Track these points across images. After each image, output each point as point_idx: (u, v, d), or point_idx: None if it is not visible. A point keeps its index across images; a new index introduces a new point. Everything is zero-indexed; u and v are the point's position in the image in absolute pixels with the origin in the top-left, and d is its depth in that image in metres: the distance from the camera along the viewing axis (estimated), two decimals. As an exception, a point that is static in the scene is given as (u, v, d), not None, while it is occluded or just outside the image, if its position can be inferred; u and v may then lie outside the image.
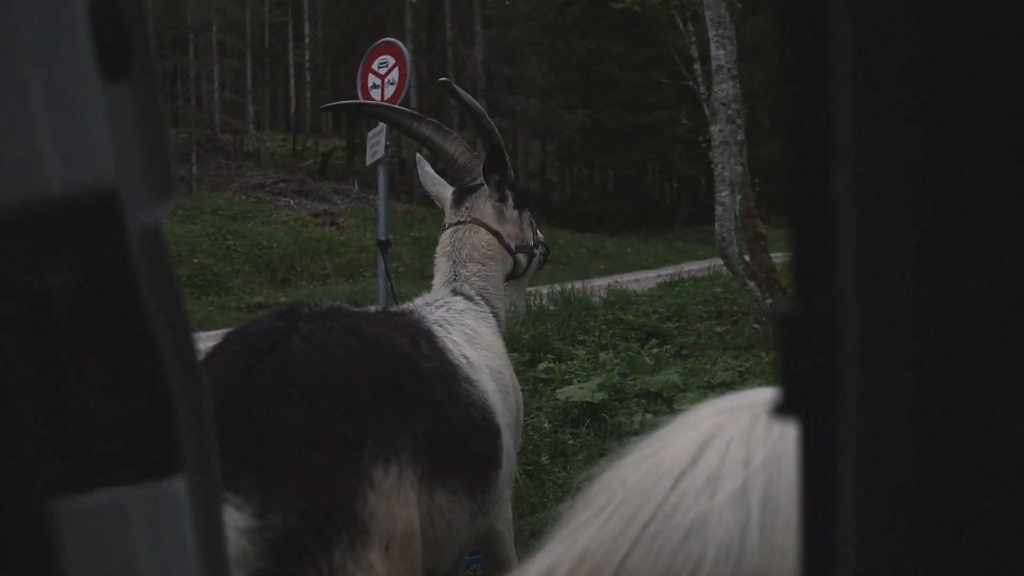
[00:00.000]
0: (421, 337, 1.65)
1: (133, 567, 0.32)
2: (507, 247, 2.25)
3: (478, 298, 2.11)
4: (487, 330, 2.01)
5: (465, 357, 1.77)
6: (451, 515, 1.60)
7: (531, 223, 2.41)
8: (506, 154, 2.27)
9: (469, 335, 1.91)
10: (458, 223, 2.23)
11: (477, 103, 2.40)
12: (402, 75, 5.32)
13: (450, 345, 1.75)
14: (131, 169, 0.32)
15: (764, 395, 0.91)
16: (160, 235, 0.34)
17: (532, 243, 2.38)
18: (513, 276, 2.34)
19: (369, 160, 5.35)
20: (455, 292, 2.10)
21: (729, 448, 0.82)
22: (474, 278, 2.15)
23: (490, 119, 2.32)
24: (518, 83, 24.12)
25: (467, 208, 2.25)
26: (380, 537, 1.37)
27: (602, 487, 0.85)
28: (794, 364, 0.30)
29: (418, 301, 2.04)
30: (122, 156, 0.31)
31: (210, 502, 0.37)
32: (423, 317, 1.84)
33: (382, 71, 5.45)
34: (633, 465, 0.86)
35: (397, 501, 1.40)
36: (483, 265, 2.18)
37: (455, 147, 2.29)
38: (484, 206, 2.25)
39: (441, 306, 1.99)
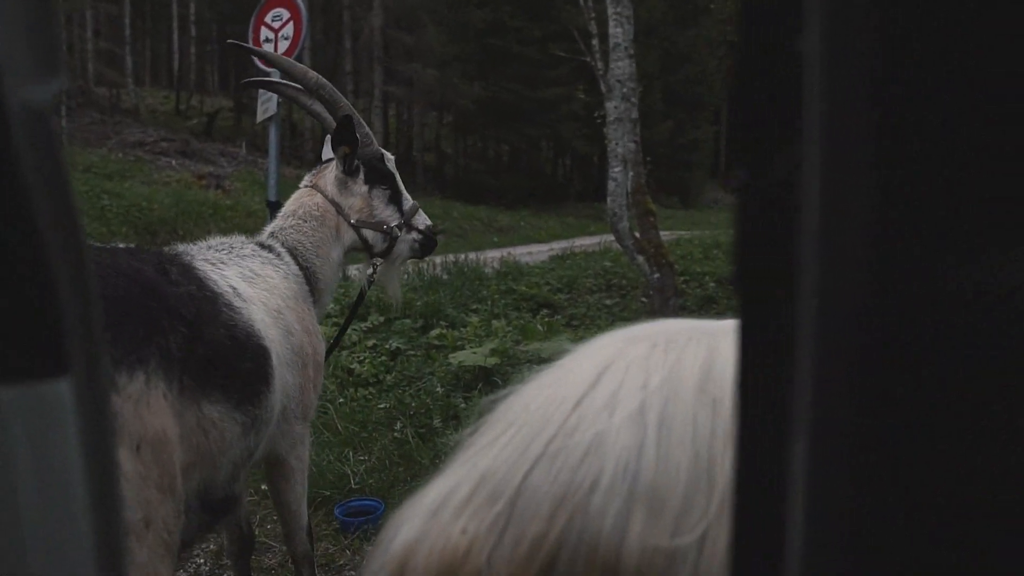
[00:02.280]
0: (172, 266, 1.81)
1: (9, 473, 0.30)
2: (346, 218, 2.41)
3: (283, 251, 2.29)
4: (275, 275, 2.17)
5: (232, 288, 1.93)
6: (222, 426, 1.76)
7: (390, 201, 2.46)
8: (359, 128, 2.41)
9: (247, 274, 2.08)
10: (303, 186, 2.46)
11: (321, 78, 2.49)
12: (297, 30, 5.13)
13: (214, 276, 1.92)
14: (11, 38, 0.29)
15: (662, 326, 0.95)
16: (46, 118, 0.31)
17: (391, 223, 2.45)
18: (373, 254, 2.48)
19: (260, 117, 5.14)
20: (260, 244, 2.27)
21: (628, 372, 0.84)
22: (291, 231, 2.34)
23: (338, 92, 2.48)
24: (415, 51, 23.71)
25: (314, 174, 2.49)
26: (129, 437, 1.52)
27: (504, 412, 0.86)
28: (749, 233, 0.30)
29: (199, 244, 2.18)
30: (1, 21, 0.29)
31: (99, 408, 0.34)
32: (187, 253, 2.01)
33: (276, 24, 5.23)
34: (535, 391, 0.87)
35: (147, 406, 1.55)
36: (304, 223, 2.36)
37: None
38: (328, 175, 2.43)
39: (222, 249, 2.15)
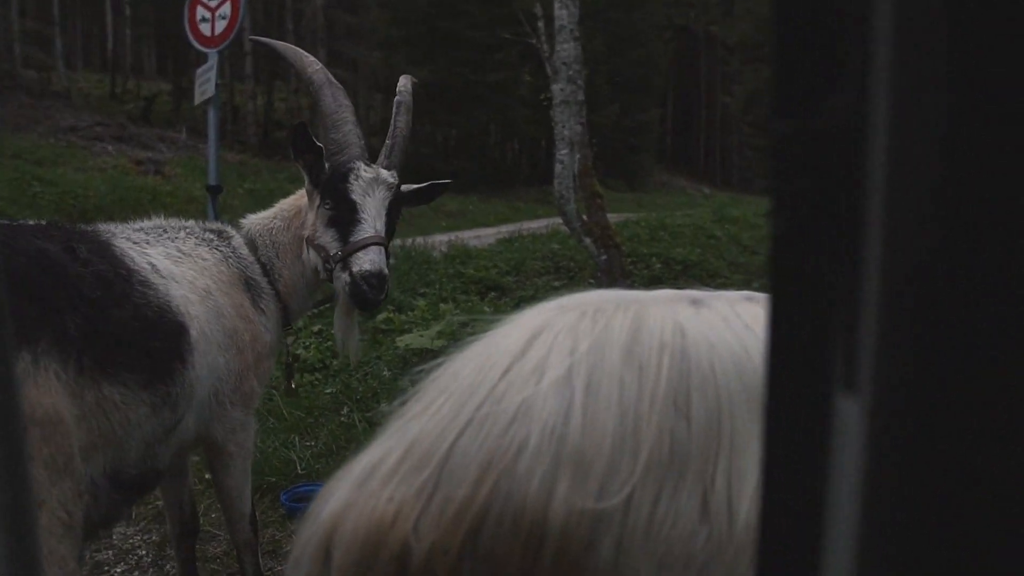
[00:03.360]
0: (84, 244, 1.77)
1: None
2: (305, 233, 2.23)
3: (237, 237, 2.23)
4: (209, 257, 2.11)
5: (151, 265, 1.90)
6: (126, 408, 1.72)
7: (330, 224, 2.15)
8: (331, 133, 2.16)
9: (172, 253, 2.03)
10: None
11: (317, 74, 2.26)
12: (235, 9, 5.00)
13: (133, 254, 1.88)
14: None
15: (593, 296, 0.95)
16: None
17: (329, 252, 2.14)
18: (315, 282, 2.29)
19: (198, 99, 5.01)
20: (209, 227, 2.22)
21: (556, 339, 0.85)
22: (259, 223, 2.29)
23: (327, 90, 2.22)
24: (359, 33, 23.35)
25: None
26: None
27: (435, 382, 0.86)
28: (799, 187, 0.28)
29: (132, 223, 2.15)
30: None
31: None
32: (107, 231, 1.97)
33: (212, 4, 5.09)
34: (466, 360, 0.87)
35: (35, 386, 1.53)
36: (275, 220, 2.29)
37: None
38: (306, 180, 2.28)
39: (154, 230, 2.11)
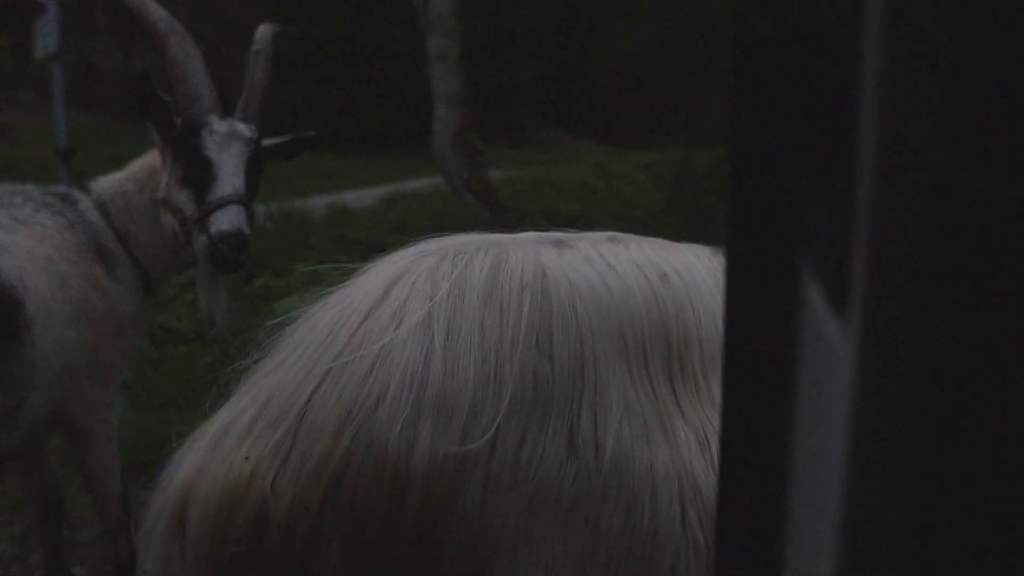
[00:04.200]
0: None
1: None
2: (160, 195, 2.07)
3: (85, 201, 2.08)
4: (51, 223, 1.98)
5: None
6: None
7: (183, 184, 2.01)
8: (182, 85, 2.01)
9: (4, 222, 1.93)
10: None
11: (160, 21, 2.07)
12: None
13: None
14: None
15: (453, 240, 0.94)
16: None
17: (185, 213, 2.00)
18: (177, 246, 2.11)
19: (38, 53, 4.62)
20: (52, 191, 2.09)
21: (416, 284, 0.83)
22: (110, 185, 2.14)
23: (171, 35, 2.04)
24: (224, -13, 22.07)
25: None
26: None
27: (291, 335, 0.83)
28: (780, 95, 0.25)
29: None
30: None
31: None
32: None
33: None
34: (323, 311, 0.84)
35: None
36: (128, 182, 2.14)
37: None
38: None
39: None
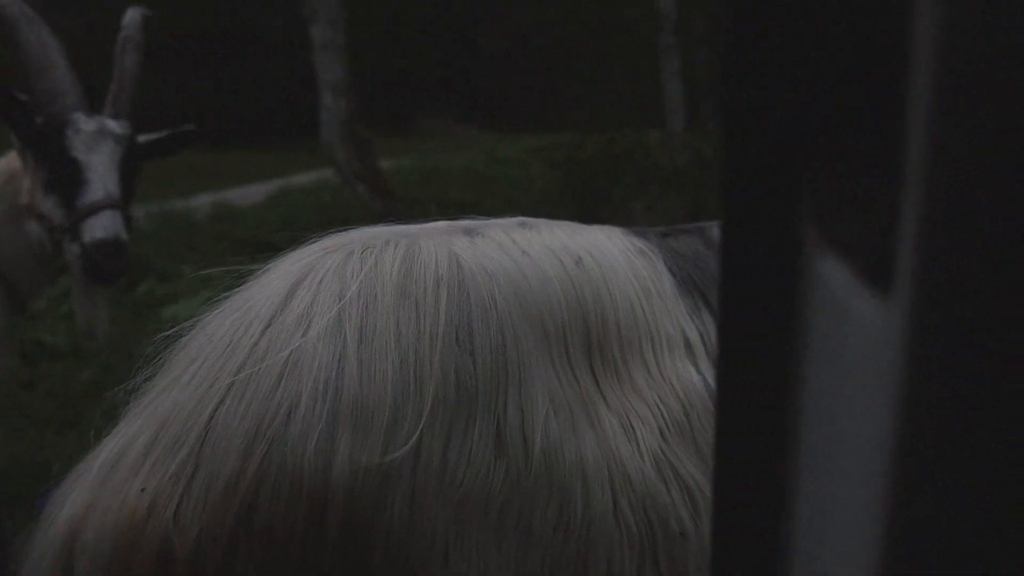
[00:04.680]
0: None
1: None
2: (23, 201, 1.88)
3: None
4: None
5: None
6: None
7: (50, 190, 1.84)
8: (41, 78, 1.80)
9: None
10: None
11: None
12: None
13: None
14: None
15: (359, 233, 0.88)
16: None
17: (53, 221, 1.84)
18: (45, 256, 1.92)
19: None
20: None
21: (322, 284, 0.77)
22: None
23: (27, 25, 1.82)
24: (82, -24, 20.74)
25: None
26: None
27: (185, 349, 0.75)
28: None
29: None
30: None
31: None
32: None
33: None
34: (218, 319, 0.77)
35: None
36: None
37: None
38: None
39: None
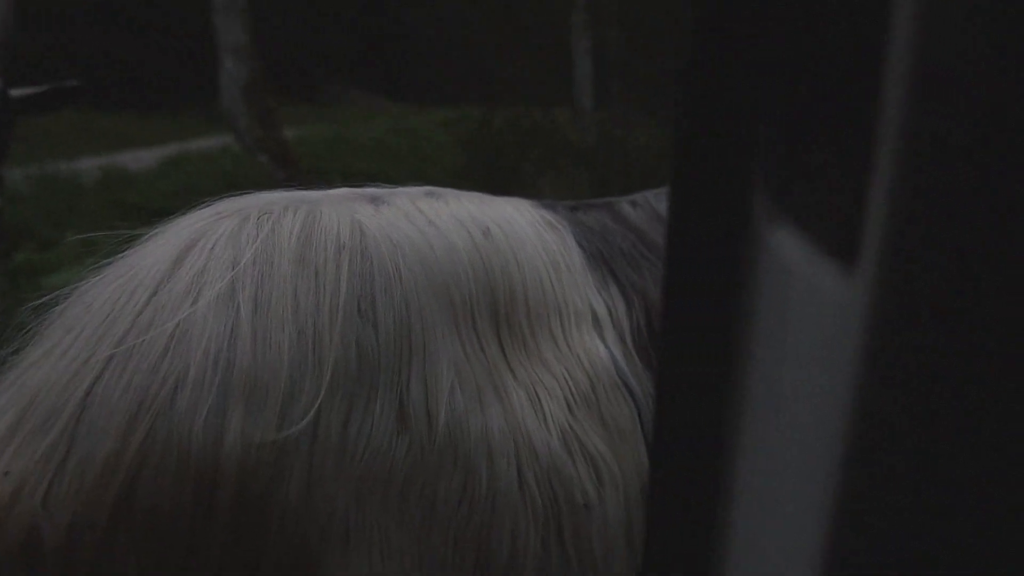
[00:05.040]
0: None
1: None
2: None
3: None
4: None
5: None
6: None
7: None
8: None
9: None
10: None
11: None
12: None
13: None
14: None
15: (256, 198, 0.83)
16: None
17: None
18: None
19: None
20: None
21: (215, 250, 0.72)
22: None
23: None
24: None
25: None
26: None
27: (59, 319, 0.69)
28: None
29: None
30: None
31: None
32: None
33: None
34: (98, 287, 0.71)
35: None
36: None
37: None
38: None
39: None
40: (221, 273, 0.67)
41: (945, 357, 0.17)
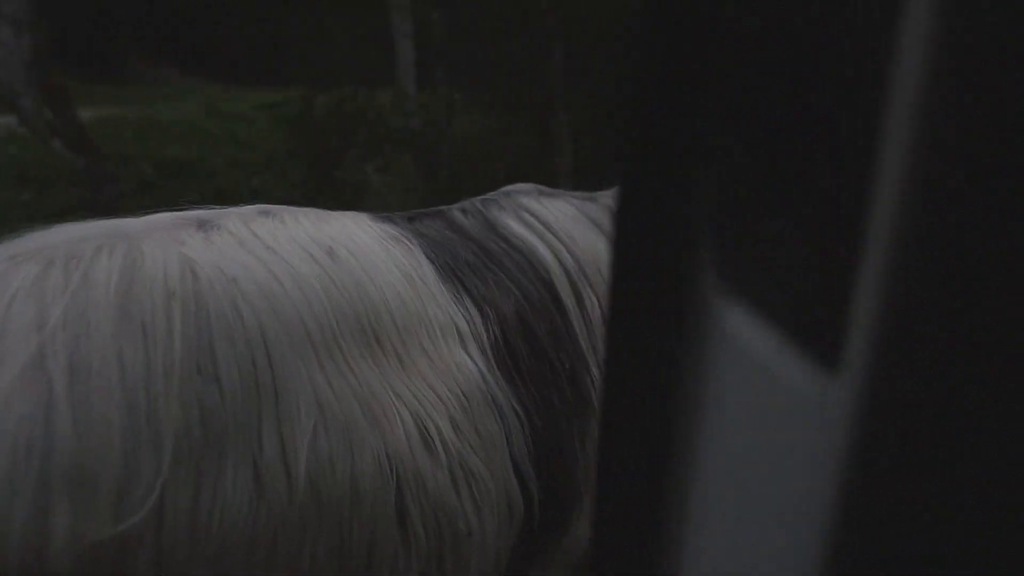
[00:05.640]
0: None
1: None
2: None
3: None
4: None
5: None
6: None
7: None
8: None
9: None
10: None
11: None
12: None
13: None
14: None
15: (58, 234, 0.71)
16: None
17: None
18: None
19: None
20: None
21: (13, 307, 0.60)
22: None
23: None
24: None
25: None
26: None
27: None
28: None
29: None
30: None
31: None
32: None
33: None
34: None
35: None
36: None
37: None
38: None
39: None
40: (24, 338, 0.56)
41: (928, 460, 0.17)
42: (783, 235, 0.24)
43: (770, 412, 0.23)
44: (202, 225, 0.85)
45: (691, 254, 0.25)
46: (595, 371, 1.12)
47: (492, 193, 1.31)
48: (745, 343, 0.23)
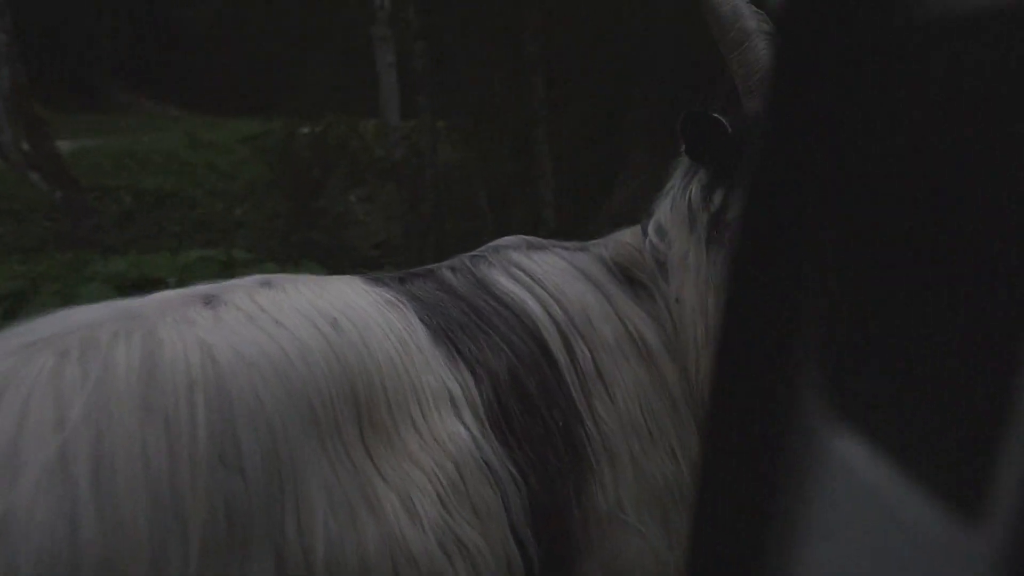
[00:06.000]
0: None
1: None
2: None
3: None
4: None
5: None
6: None
7: None
8: None
9: None
10: None
11: None
12: None
13: None
14: None
15: (70, 318, 0.69)
16: None
17: None
18: None
19: None
20: None
21: (30, 406, 0.58)
22: None
23: None
24: None
25: None
26: None
27: None
28: None
29: None
30: None
31: None
32: None
33: None
34: None
35: None
36: None
37: None
38: None
39: None
40: (44, 438, 0.54)
41: None
42: (912, 367, 0.23)
43: (890, 552, 0.22)
44: (208, 301, 0.84)
45: (802, 374, 0.25)
46: (589, 424, 1.12)
47: (481, 248, 1.31)
48: (861, 475, 0.23)
